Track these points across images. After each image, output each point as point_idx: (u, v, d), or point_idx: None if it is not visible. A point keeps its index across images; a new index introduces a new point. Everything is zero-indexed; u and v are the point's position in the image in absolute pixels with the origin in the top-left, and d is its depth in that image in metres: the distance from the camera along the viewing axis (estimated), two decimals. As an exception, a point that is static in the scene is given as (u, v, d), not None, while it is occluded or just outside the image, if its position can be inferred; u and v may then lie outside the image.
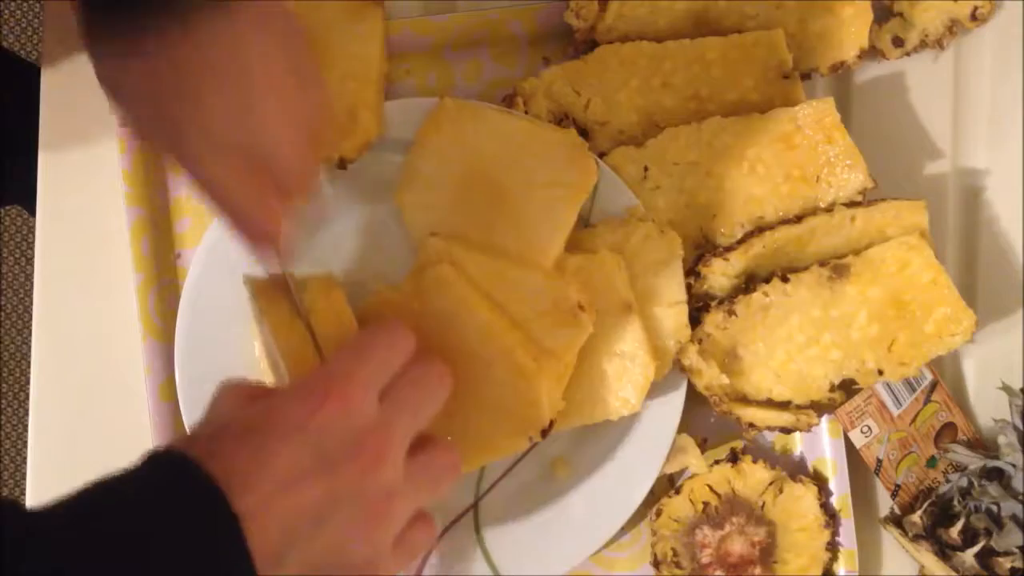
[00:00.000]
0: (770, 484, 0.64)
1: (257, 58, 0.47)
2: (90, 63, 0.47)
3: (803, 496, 0.64)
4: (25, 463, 0.66)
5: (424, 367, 0.51)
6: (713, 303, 0.62)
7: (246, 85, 0.47)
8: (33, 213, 0.68)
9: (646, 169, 0.63)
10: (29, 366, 0.66)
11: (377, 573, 0.47)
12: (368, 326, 0.54)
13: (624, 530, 0.64)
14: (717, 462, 0.64)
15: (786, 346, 0.62)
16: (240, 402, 0.48)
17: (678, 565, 0.64)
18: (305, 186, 0.51)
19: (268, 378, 0.61)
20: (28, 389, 0.70)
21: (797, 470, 0.65)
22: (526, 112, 0.63)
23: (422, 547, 0.51)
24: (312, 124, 0.50)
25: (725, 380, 0.61)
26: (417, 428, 0.49)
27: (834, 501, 0.64)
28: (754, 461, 0.64)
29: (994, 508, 0.62)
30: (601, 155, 0.63)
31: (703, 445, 0.64)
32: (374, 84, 0.61)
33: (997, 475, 0.63)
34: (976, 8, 0.67)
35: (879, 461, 0.65)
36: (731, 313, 0.61)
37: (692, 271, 0.63)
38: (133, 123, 0.48)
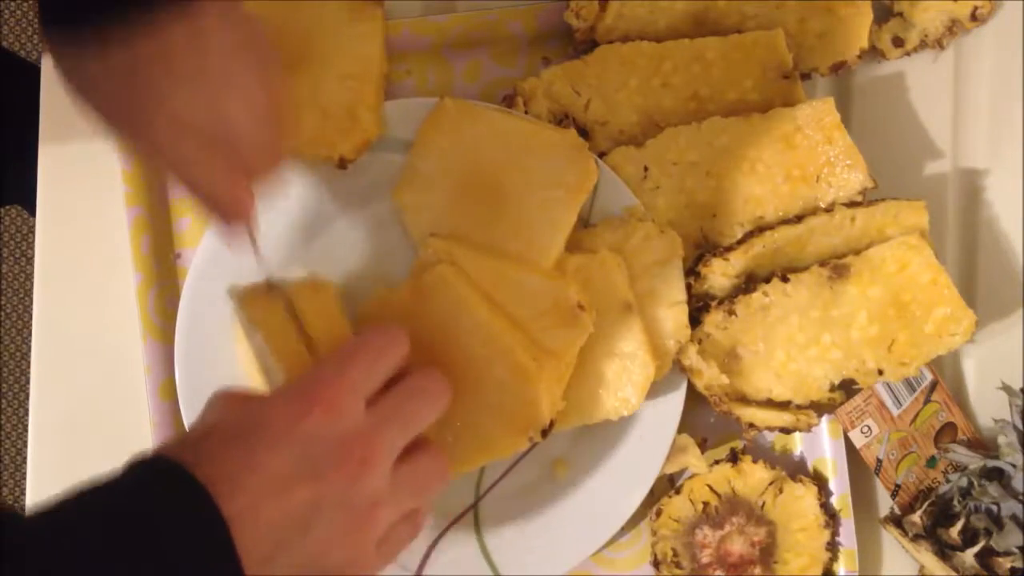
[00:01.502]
0: (770, 484, 0.64)
1: (219, 52, 0.47)
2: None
3: (803, 496, 0.64)
4: (25, 463, 0.66)
5: (422, 378, 0.51)
6: (713, 303, 0.62)
7: (210, 76, 0.47)
8: (33, 213, 0.68)
9: (646, 169, 0.63)
10: (29, 366, 0.66)
11: (360, 573, 0.48)
12: (362, 329, 0.54)
13: (624, 530, 0.64)
14: (717, 462, 0.64)
15: (786, 346, 0.62)
16: (230, 406, 0.48)
17: (678, 565, 0.64)
18: (271, 165, 0.52)
19: (261, 385, 0.61)
20: (28, 389, 0.70)
21: (797, 470, 0.65)
22: (526, 112, 0.63)
23: (406, 543, 0.51)
24: (275, 111, 0.51)
25: (725, 380, 0.61)
26: (407, 438, 0.49)
27: (834, 501, 0.64)
28: (754, 461, 0.64)
29: (994, 508, 0.62)
30: (601, 155, 0.63)
31: (703, 445, 0.64)
32: (374, 84, 0.61)
33: (997, 475, 0.63)
34: (976, 8, 0.67)
35: (879, 461, 0.65)
36: (731, 313, 0.61)
37: (692, 271, 0.63)
38: (95, 115, 0.49)
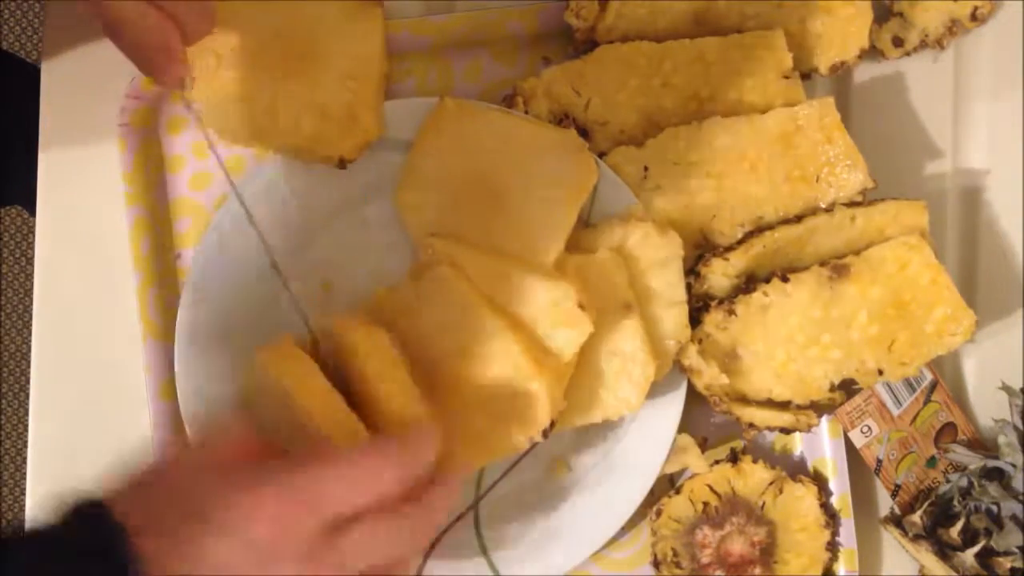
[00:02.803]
0: (770, 484, 0.64)
1: None
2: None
3: (803, 496, 0.64)
4: (25, 463, 0.66)
5: (423, 505, 0.49)
6: (713, 303, 0.62)
7: None
8: (33, 213, 0.68)
9: (646, 169, 0.63)
10: (29, 366, 0.66)
11: None
12: (391, 433, 0.53)
13: (624, 530, 0.64)
14: (717, 462, 0.64)
15: (786, 346, 0.62)
16: (208, 469, 0.48)
17: (678, 565, 0.64)
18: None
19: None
20: (28, 389, 0.70)
21: (797, 470, 0.65)
22: (526, 112, 0.63)
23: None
24: None
25: (725, 380, 0.61)
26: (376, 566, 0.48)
27: (834, 501, 0.64)
28: (754, 461, 0.64)
29: (994, 508, 0.62)
30: (601, 155, 0.63)
31: (703, 445, 0.64)
32: (374, 84, 0.61)
33: (997, 475, 0.63)
34: (976, 8, 0.67)
35: (879, 461, 0.65)
36: (731, 313, 0.61)
37: (692, 271, 0.63)
38: None
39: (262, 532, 0.46)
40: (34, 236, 0.67)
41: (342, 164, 0.61)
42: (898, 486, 0.65)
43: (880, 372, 0.62)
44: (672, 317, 0.61)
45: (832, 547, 0.64)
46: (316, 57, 0.61)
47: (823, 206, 0.63)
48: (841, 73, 0.67)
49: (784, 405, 0.62)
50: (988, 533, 0.61)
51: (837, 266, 0.62)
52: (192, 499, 0.47)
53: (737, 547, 0.64)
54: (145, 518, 0.44)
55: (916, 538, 0.63)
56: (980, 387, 0.69)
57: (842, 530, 0.64)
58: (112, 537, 0.43)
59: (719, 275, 0.62)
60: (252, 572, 0.46)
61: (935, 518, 0.64)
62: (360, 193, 0.63)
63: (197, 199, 0.66)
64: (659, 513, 0.64)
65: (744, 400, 0.62)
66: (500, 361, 0.57)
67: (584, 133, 0.64)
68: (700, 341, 0.61)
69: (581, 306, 0.57)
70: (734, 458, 0.64)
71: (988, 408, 0.68)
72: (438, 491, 0.50)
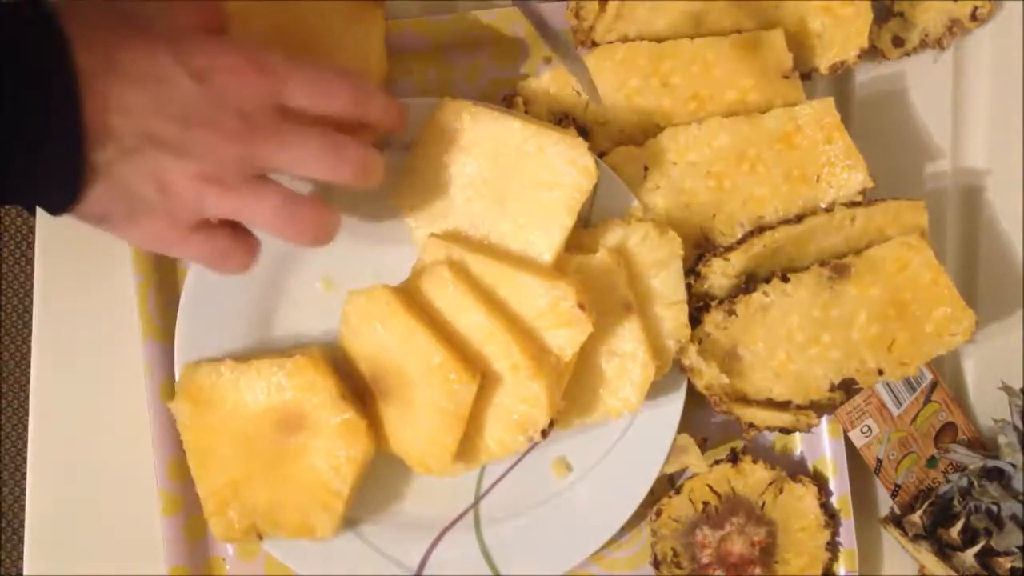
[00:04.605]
0: (770, 484, 0.64)
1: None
2: None
3: (803, 496, 0.64)
4: (25, 463, 0.66)
5: (357, 142, 0.51)
6: (713, 303, 0.62)
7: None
8: (33, 213, 0.68)
9: (646, 169, 0.63)
10: (29, 366, 0.66)
11: (164, 240, 0.48)
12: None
13: (624, 530, 0.64)
14: (717, 462, 0.64)
15: (786, 346, 0.62)
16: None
17: (678, 565, 0.64)
18: None
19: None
20: (28, 389, 0.70)
21: (797, 470, 0.65)
22: (526, 112, 0.63)
23: (222, 254, 0.51)
24: None
25: (725, 380, 0.61)
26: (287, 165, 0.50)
27: (834, 501, 0.64)
28: (754, 461, 0.64)
29: (994, 508, 0.62)
30: (601, 155, 0.63)
31: (703, 445, 0.64)
32: (374, 84, 0.61)
33: (997, 475, 0.63)
34: (976, 8, 0.67)
35: (879, 461, 0.65)
36: (731, 313, 0.61)
37: (692, 271, 0.63)
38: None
39: (218, 74, 0.46)
40: (34, 236, 0.67)
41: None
42: (898, 486, 0.65)
43: (880, 372, 0.62)
44: (672, 317, 0.61)
45: (832, 547, 0.64)
46: (316, 56, 0.61)
47: (823, 206, 0.63)
48: (841, 73, 0.67)
49: (784, 405, 0.62)
50: (988, 533, 0.61)
51: (837, 266, 0.62)
52: (152, 25, 0.47)
53: (737, 547, 0.64)
54: (81, 26, 0.44)
55: (916, 538, 0.63)
56: (980, 387, 0.69)
57: (842, 530, 0.64)
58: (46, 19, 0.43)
59: (719, 275, 0.62)
60: (191, 102, 0.45)
61: (935, 518, 0.64)
62: (360, 193, 0.63)
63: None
64: (659, 513, 0.64)
65: (744, 400, 0.62)
66: (500, 361, 0.58)
67: (584, 133, 0.64)
68: (700, 341, 0.61)
69: (581, 306, 0.57)
70: (734, 458, 0.64)
71: (988, 408, 0.68)
72: (371, 137, 0.53)
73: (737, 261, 0.62)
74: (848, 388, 0.63)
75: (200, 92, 0.46)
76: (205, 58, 0.47)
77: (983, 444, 0.67)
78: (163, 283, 0.64)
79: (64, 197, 0.45)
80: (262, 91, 0.48)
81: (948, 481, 0.65)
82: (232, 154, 0.47)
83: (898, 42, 0.68)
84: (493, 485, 0.64)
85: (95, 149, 0.44)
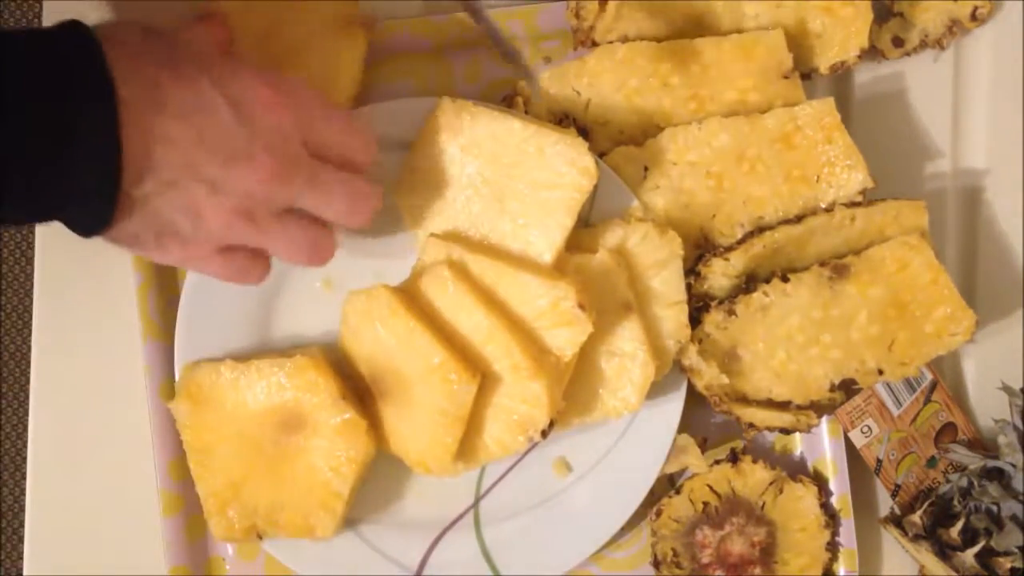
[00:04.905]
0: (770, 484, 0.64)
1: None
2: None
3: (803, 496, 0.64)
4: (25, 463, 0.66)
5: (362, 178, 0.54)
6: (713, 303, 0.62)
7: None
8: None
9: (646, 169, 0.63)
10: (29, 366, 0.66)
11: (192, 257, 0.50)
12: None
13: (624, 530, 0.64)
14: (717, 462, 0.64)
15: (786, 346, 0.62)
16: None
17: (678, 565, 0.64)
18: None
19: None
20: (28, 389, 0.70)
21: (797, 470, 0.65)
22: (526, 112, 0.63)
23: (241, 271, 0.53)
24: None
25: (725, 380, 0.61)
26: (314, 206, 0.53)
27: (834, 501, 0.64)
28: (754, 461, 0.64)
29: (994, 508, 0.62)
30: (601, 155, 0.63)
31: (703, 445, 0.64)
32: (343, 101, 0.62)
33: (997, 475, 0.63)
34: (976, 8, 0.67)
35: (879, 461, 0.65)
36: (731, 313, 0.61)
37: (692, 271, 0.63)
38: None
39: (252, 106, 0.47)
40: (34, 236, 0.67)
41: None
42: (898, 486, 0.65)
43: (880, 372, 0.62)
44: (672, 317, 0.61)
45: (832, 547, 0.64)
46: (293, 68, 0.61)
47: (823, 206, 0.63)
48: (841, 73, 0.67)
49: (784, 405, 0.62)
50: (988, 533, 0.61)
51: (837, 266, 0.62)
52: (187, 54, 0.47)
53: (737, 547, 0.64)
54: (130, 50, 0.44)
55: (916, 538, 0.63)
56: (980, 387, 0.69)
57: (842, 530, 0.64)
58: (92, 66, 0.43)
59: (719, 275, 0.62)
60: (230, 135, 0.46)
61: (935, 518, 0.64)
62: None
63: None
64: (659, 513, 0.64)
65: (744, 400, 0.62)
66: (500, 361, 0.58)
67: (584, 133, 0.64)
68: (700, 341, 0.61)
69: (581, 306, 0.57)
70: (734, 458, 0.64)
71: (988, 408, 0.68)
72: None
73: (737, 261, 0.62)
74: (848, 388, 0.63)
75: (238, 124, 0.47)
76: (240, 88, 0.48)
77: (983, 444, 0.67)
78: (163, 283, 0.64)
79: (95, 224, 0.46)
80: (293, 126, 0.50)
81: (948, 481, 0.65)
82: (265, 193, 0.49)
83: (898, 42, 0.68)
84: (493, 485, 0.64)
85: (133, 182, 0.45)
